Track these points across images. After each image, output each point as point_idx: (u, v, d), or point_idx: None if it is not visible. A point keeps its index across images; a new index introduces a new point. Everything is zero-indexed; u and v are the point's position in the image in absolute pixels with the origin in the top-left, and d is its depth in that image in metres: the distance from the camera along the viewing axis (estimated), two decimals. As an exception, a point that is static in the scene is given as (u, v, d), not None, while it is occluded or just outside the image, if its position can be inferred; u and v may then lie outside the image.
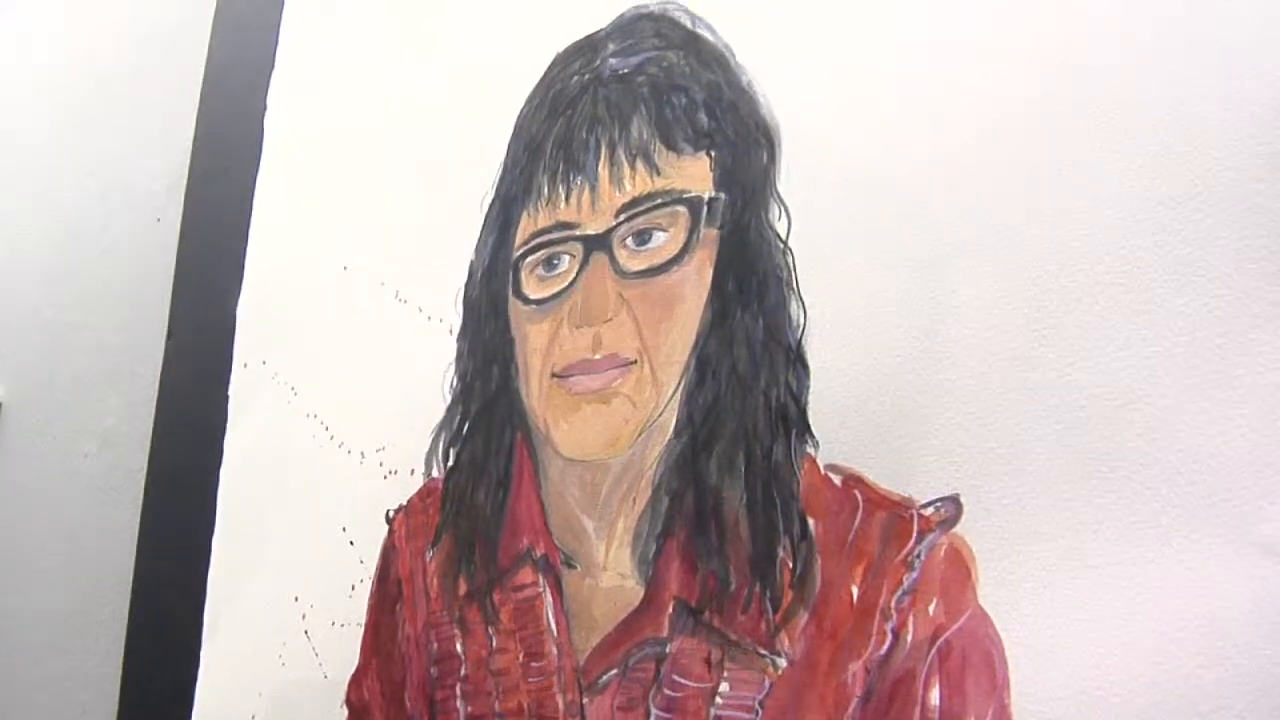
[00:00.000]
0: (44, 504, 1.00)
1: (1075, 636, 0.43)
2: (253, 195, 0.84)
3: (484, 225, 0.67)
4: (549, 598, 0.59)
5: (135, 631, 0.85)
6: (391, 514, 0.67)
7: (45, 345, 1.04)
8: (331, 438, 0.72)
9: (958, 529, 0.46)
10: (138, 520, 0.88)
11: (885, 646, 0.47)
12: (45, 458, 1.01)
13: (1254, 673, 0.39)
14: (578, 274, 0.60)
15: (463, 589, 0.63)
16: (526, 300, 0.62)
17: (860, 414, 0.50)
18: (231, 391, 0.81)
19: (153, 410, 0.89)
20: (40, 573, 0.99)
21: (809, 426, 0.51)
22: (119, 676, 0.86)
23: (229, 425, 0.81)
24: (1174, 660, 0.41)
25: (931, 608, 0.47)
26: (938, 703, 0.46)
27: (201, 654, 0.78)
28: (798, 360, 0.52)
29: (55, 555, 0.98)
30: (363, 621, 0.68)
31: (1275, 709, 0.39)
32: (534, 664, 0.59)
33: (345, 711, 0.68)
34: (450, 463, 0.65)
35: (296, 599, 0.72)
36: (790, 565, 0.51)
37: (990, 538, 0.46)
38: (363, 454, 0.70)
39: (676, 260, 0.57)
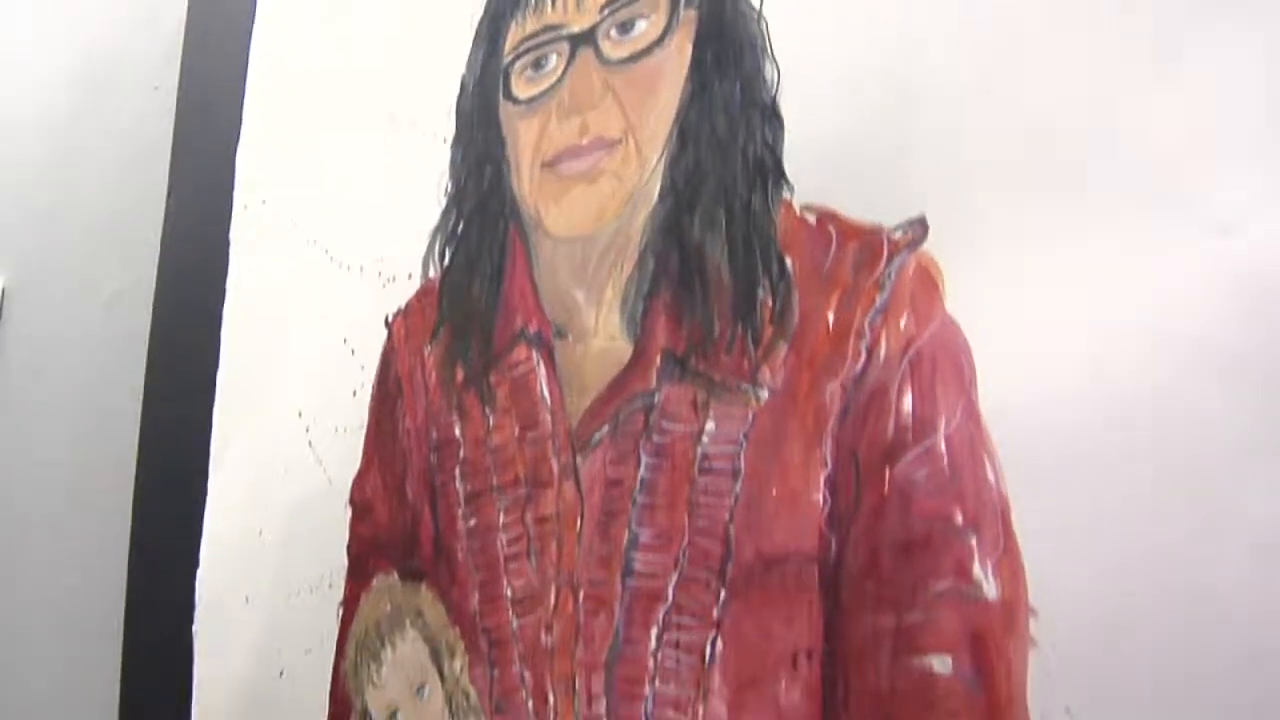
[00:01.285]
0: (52, 377, 1.03)
1: (1039, 334, 0.46)
2: (248, 54, 0.87)
3: (474, 41, 0.69)
4: (542, 370, 0.62)
5: (143, 477, 0.88)
6: (390, 318, 0.70)
7: (45, 225, 1.07)
8: (331, 259, 0.75)
9: (925, 247, 0.50)
10: (143, 380, 0.91)
11: (860, 364, 0.51)
12: (51, 332, 1.04)
13: (1211, 355, 0.42)
14: (565, 70, 0.63)
15: (460, 377, 0.66)
16: (516, 101, 0.65)
17: (832, 155, 0.53)
18: (233, 236, 0.84)
19: (155, 270, 0.92)
20: (49, 442, 1.02)
21: (784, 173, 0.54)
22: (129, 523, 0.88)
23: (230, 267, 0.83)
24: (1132, 345, 0.44)
25: (902, 322, 0.50)
26: (910, 408, 0.49)
27: (209, 485, 0.81)
28: (773, 116, 0.55)
29: (63, 424, 1.01)
30: (364, 424, 0.71)
31: (1229, 389, 0.42)
32: (529, 434, 0.62)
33: (349, 511, 0.71)
34: (446, 262, 0.68)
35: (300, 414, 0.75)
36: (770, 303, 0.54)
37: (956, 251, 0.49)
38: (362, 268, 0.73)
39: (658, 43, 0.60)
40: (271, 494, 0.76)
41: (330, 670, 0.70)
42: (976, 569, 0.46)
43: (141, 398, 0.89)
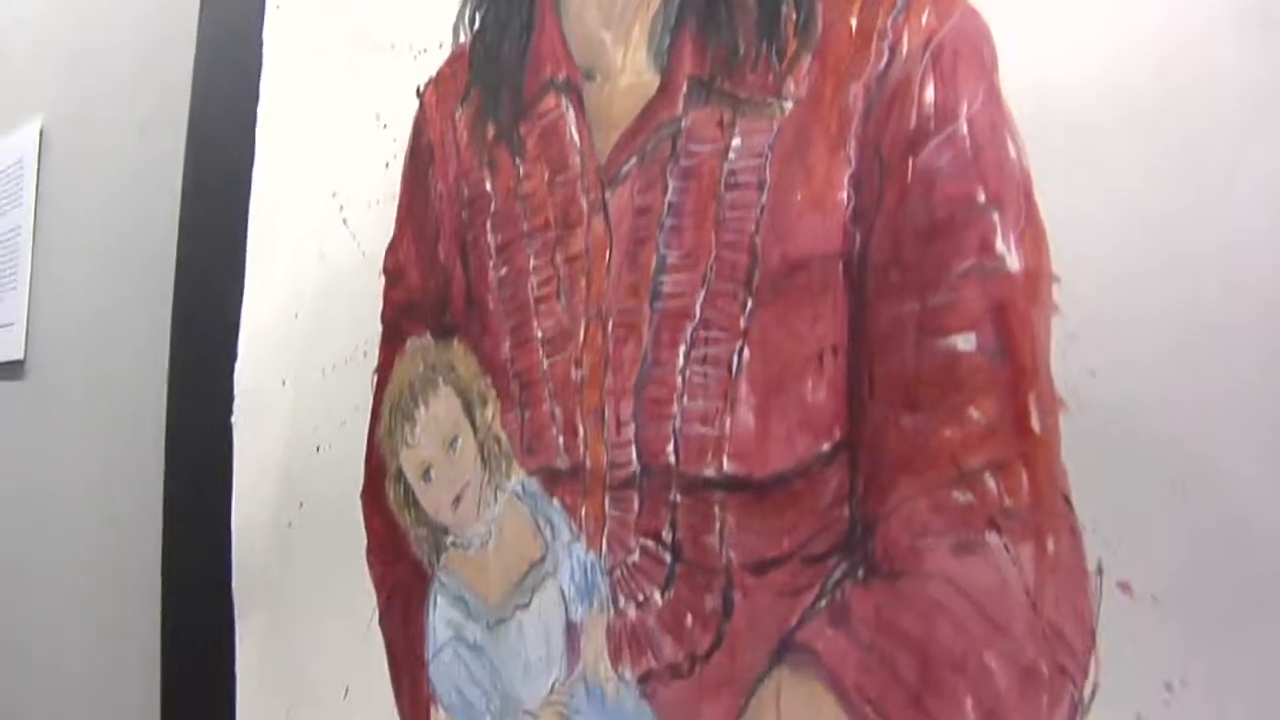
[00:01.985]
0: (91, 203, 1.05)
1: (1059, 17, 0.46)
2: None
3: None
4: (571, 114, 0.63)
5: (182, 283, 0.89)
6: (421, 88, 0.71)
7: (78, 63, 1.08)
8: (364, 41, 0.76)
9: (946, -59, 0.49)
10: (179, 189, 0.92)
11: (883, 63, 0.51)
12: (88, 165, 1.06)
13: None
14: None
15: (491, 133, 0.67)
16: None
17: None
18: (265, 35, 0.84)
19: (189, 91, 0.93)
20: (92, 262, 1.04)
21: (809, -115, 0.54)
22: (169, 329, 0.90)
23: (263, 71, 0.84)
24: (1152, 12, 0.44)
25: (924, 18, 0.50)
26: (932, 98, 0.49)
27: (246, 278, 0.82)
28: None
29: (103, 247, 1.03)
30: (397, 194, 0.72)
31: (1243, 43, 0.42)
32: (559, 178, 0.63)
33: (382, 280, 0.72)
34: (476, 25, 0.68)
35: (334, 194, 0.76)
36: (794, 17, 0.54)
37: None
38: (393, 45, 0.74)
39: None
40: (306, 277, 0.77)
41: (365, 439, 0.72)
42: (999, 243, 0.46)
43: (179, 206, 0.91)
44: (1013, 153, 0.46)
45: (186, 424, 0.87)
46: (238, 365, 0.81)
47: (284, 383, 0.78)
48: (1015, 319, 0.46)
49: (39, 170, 1.10)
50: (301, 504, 0.76)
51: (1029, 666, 0.44)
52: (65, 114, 1.09)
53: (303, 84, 0.81)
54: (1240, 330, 0.41)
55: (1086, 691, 0.43)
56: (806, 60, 0.53)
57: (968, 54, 0.48)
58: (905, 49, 0.50)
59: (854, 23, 0.52)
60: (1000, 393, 0.46)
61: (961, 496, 0.47)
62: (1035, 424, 0.45)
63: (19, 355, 1.11)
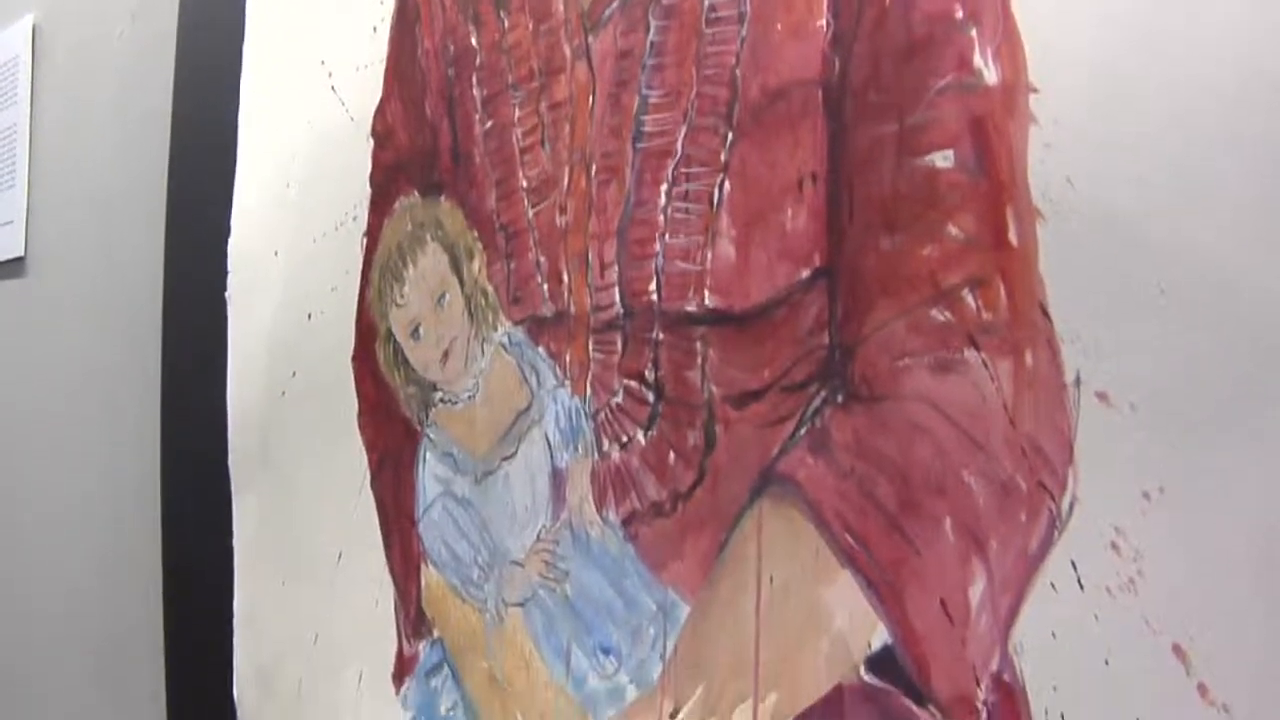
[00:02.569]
0: (86, 97, 1.04)
1: None
2: None
3: None
4: (554, -40, 0.62)
5: (177, 162, 0.89)
6: (407, -52, 0.70)
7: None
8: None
9: None
10: (172, 78, 0.91)
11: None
12: (82, 59, 1.05)
13: None
14: None
15: (475, -13, 0.66)
16: None
17: None
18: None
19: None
20: (83, 166, 1.04)
21: None
22: (164, 208, 0.90)
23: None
24: None
25: None
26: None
27: (238, 153, 0.82)
28: None
29: (100, 139, 1.03)
30: (384, 58, 0.71)
31: None
32: (542, 26, 0.62)
33: (371, 143, 0.72)
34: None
35: (323, 62, 0.76)
36: None
37: None
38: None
39: None
40: (296, 147, 0.77)
41: (355, 304, 0.72)
42: (977, 58, 0.46)
43: (171, 88, 0.90)
44: (990, -36, 0.46)
45: (182, 305, 0.87)
46: (230, 239, 0.81)
47: (276, 253, 0.78)
48: (993, 133, 0.45)
49: (33, 67, 1.10)
50: (294, 372, 0.77)
51: (1007, 483, 0.44)
52: (56, 8, 1.08)
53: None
54: (1220, 128, 0.40)
55: (1064, 505, 0.42)
56: None
57: None
58: None
59: None
60: (978, 207, 0.45)
61: (940, 315, 0.46)
62: (1013, 236, 0.44)
63: (19, 252, 1.11)
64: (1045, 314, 0.43)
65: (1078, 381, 0.42)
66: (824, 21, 0.51)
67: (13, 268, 1.13)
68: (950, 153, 0.46)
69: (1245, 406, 0.38)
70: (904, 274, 0.47)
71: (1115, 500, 0.41)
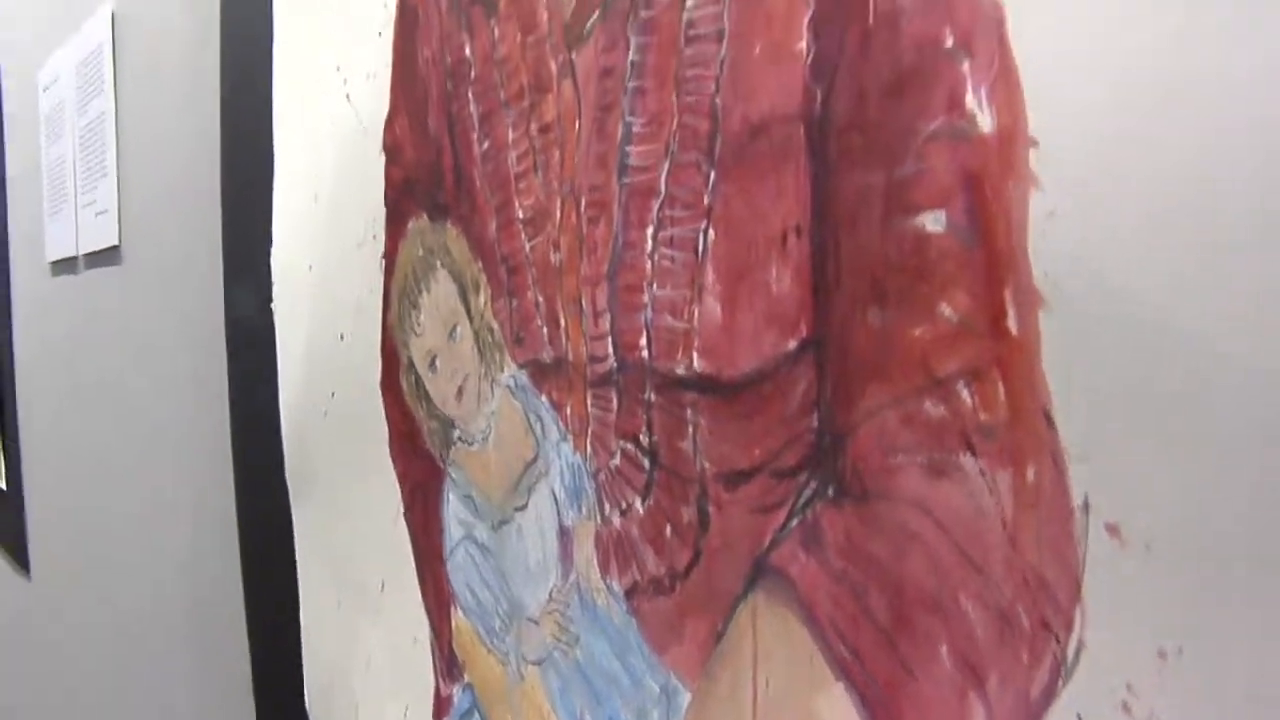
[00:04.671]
0: (158, 90, 1.03)
1: None
2: None
3: None
4: (537, -38, 0.55)
5: (227, 164, 0.87)
6: (404, -58, 0.64)
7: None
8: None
9: None
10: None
11: None
12: (155, 43, 1.04)
13: None
14: None
15: (466, -10, 0.60)
16: None
17: None
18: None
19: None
20: (164, 156, 1.03)
21: None
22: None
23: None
24: None
25: None
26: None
27: (274, 159, 0.79)
28: None
29: (177, 136, 1.01)
30: (390, 64, 0.66)
31: None
32: (530, 38, 0.56)
33: (383, 158, 0.67)
34: None
35: (338, 68, 0.71)
36: None
37: None
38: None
39: None
40: (322, 157, 0.73)
41: (380, 326, 0.68)
42: (970, 98, 0.37)
43: (219, 91, 0.88)
44: (985, -22, 0.37)
45: (240, 309, 0.86)
46: (273, 249, 0.79)
47: (310, 267, 0.75)
48: (989, 192, 0.37)
49: (114, 56, 1.09)
50: (333, 393, 0.74)
51: (1007, 613, 0.37)
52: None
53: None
54: (1258, 198, 0.31)
55: (1070, 650, 0.35)
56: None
57: None
58: None
59: None
60: (972, 284, 0.38)
61: (934, 409, 0.39)
62: (1012, 323, 0.37)
63: (114, 241, 1.12)
64: (1049, 422, 0.36)
65: (1086, 507, 0.35)
66: (805, 43, 0.43)
67: (109, 255, 1.14)
68: (942, 214, 0.38)
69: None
70: (895, 356, 0.40)
71: (1128, 653, 0.34)
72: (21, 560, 1.60)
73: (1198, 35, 0.32)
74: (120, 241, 1.11)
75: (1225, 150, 0.31)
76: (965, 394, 0.38)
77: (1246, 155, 0.31)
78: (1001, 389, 0.37)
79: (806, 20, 0.43)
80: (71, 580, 1.40)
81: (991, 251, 0.37)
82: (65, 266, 1.31)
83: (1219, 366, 0.32)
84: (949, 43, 0.38)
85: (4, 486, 1.65)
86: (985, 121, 0.37)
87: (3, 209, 1.58)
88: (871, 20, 0.40)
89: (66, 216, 1.25)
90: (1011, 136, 0.36)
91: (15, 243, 1.55)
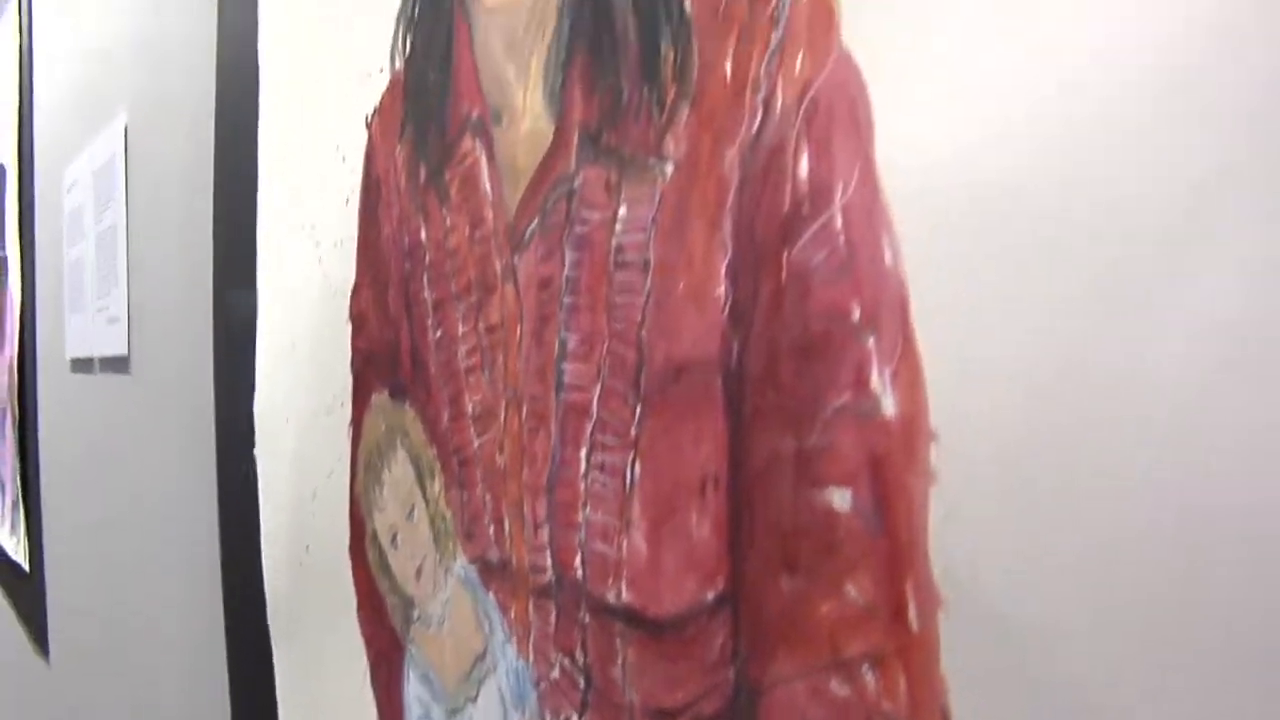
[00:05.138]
0: (163, 202, 1.04)
1: (940, 66, 0.34)
2: None
3: None
4: (483, 159, 0.55)
5: (219, 291, 0.87)
6: (369, 117, 0.64)
7: (153, 64, 1.07)
8: (338, 59, 0.69)
9: (823, -37, 0.38)
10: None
11: (757, 121, 0.40)
12: (164, 156, 1.05)
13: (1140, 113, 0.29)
14: None
15: (422, 175, 0.59)
16: None
17: None
18: (260, 53, 0.79)
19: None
20: (168, 268, 1.04)
21: (682, -110, 0.43)
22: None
23: (260, 87, 0.79)
24: (1049, 92, 0.32)
25: (798, 64, 0.39)
26: (807, 173, 0.38)
27: (258, 303, 0.79)
28: None
29: (181, 249, 1.02)
30: (355, 235, 0.66)
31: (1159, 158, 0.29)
32: (477, 233, 0.55)
33: (349, 327, 0.67)
34: (408, 51, 0.61)
35: (312, 227, 0.71)
36: (672, 55, 0.44)
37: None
38: (343, 68, 0.67)
39: None
40: (297, 313, 0.73)
41: (348, 493, 0.68)
42: (875, 379, 0.36)
43: (212, 212, 0.88)
44: (888, 257, 0.36)
45: (231, 441, 0.86)
46: (256, 394, 0.79)
47: (286, 420, 0.75)
48: (892, 481, 0.36)
49: (126, 169, 1.10)
50: (308, 546, 0.74)
51: None
52: (145, 108, 1.08)
53: (287, 109, 0.75)
54: (1171, 518, 0.30)
55: None
56: (685, 111, 0.43)
57: (843, 114, 0.37)
58: (779, 104, 0.39)
59: (729, 68, 0.41)
60: (877, 571, 0.36)
61: (840, 688, 0.38)
62: (912, 618, 0.35)
63: (124, 351, 1.13)
64: (947, 720, 0.34)
65: (987, 825, 0.33)
66: (722, 289, 0.42)
67: (119, 364, 1.16)
68: (848, 493, 0.37)
69: None
70: (804, 627, 0.39)
71: None
72: (42, 644, 1.62)
73: (1098, 342, 0.30)
74: (129, 351, 1.12)
75: (1134, 465, 0.30)
76: (870, 678, 0.37)
77: (1159, 468, 0.29)
78: (903, 681, 0.36)
79: (724, 265, 0.42)
80: (89, 667, 1.41)
81: (894, 542, 0.36)
82: (83, 365, 1.33)
83: (1105, 701, 0.30)
84: (856, 316, 0.37)
85: (27, 568, 1.68)
86: (889, 406, 0.36)
87: (32, 302, 1.61)
88: (784, 277, 0.39)
89: (85, 318, 1.27)
90: (913, 426, 0.35)
91: (41, 335, 1.58)
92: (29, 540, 1.65)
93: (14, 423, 1.69)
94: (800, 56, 0.39)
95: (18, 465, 1.67)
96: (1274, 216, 0.27)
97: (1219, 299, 0.28)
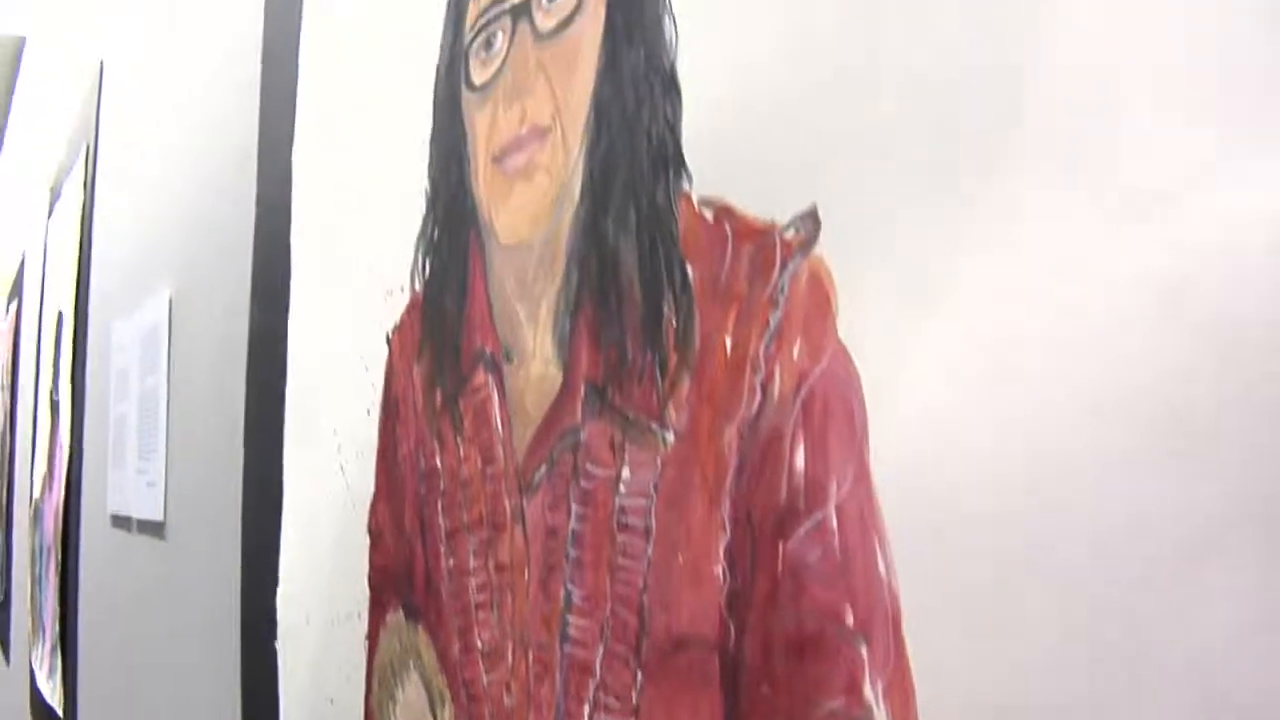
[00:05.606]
0: (204, 372, 1.06)
1: (934, 364, 0.34)
2: None
3: (443, 26, 0.62)
4: (495, 397, 0.55)
5: (249, 476, 0.88)
6: (390, 334, 0.65)
7: (195, 238, 1.09)
8: (357, 272, 0.70)
9: (818, 248, 0.38)
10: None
11: (756, 403, 0.40)
12: (205, 328, 1.07)
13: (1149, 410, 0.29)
14: (508, 50, 0.55)
15: (439, 401, 0.60)
16: (473, 87, 0.58)
17: (728, 136, 0.42)
18: (292, 253, 0.81)
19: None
20: (205, 440, 1.05)
21: (684, 160, 0.44)
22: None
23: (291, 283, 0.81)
24: (1043, 379, 0.31)
25: (795, 351, 0.38)
26: (803, 466, 0.38)
27: (283, 502, 0.80)
28: (671, 85, 0.44)
29: (216, 422, 1.04)
30: (375, 449, 0.66)
31: (1181, 458, 0.29)
32: (488, 469, 0.55)
33: (367, 541, 0.67)
34: (427, 274, 0.61)
35: (335, 431, 0.72)
36: (674, 323, 0.44)
37: (850, 255, 0.37)
38: (368, 283, 0.68)
39: (578, 9, 0.50)
40: (320, 517, 0.73)
41: (363, 704, 0.67)
42: (868, 689, 0.35)
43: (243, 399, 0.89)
44: (881, 567, 0.35)
45: (256, 628, 0.85)
46: (279, 589, 0.79)
47: (307, 620, 0.74)
48: (886, 799, 0.34)
49: (170, 339, 1.13)
50: (325, 753, 0.73)
51: None
52: (190, 282, 1.11)
53: (318, 316, 0.77)
54: None
55: None
56: (686, 382, 0.43)
57: (838, 410, 0.37)
58: (777, 390, 0.39)
59: (728, 342, 0.41)
60: None
61: None
62: None
63: (160, 516, 1.14)
64: None
65: None
66: (720, 570, 0.41)
67: (155, 528, 1.17)
68: (841, 804, 0.36)
69: None
70: None
71: None
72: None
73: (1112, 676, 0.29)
74: (164, 518, 1.13)
75: None
76: None
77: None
78: None
79: (723, 546, 0.41)
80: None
81: None
82: (122, 523, 1.34)
83: None
84: (849, 620, 0.36)
85: (61, 714, 1.67)
86: (880, 718, 0.35)
87: (79, 450, 1.64)
88: (780, 570, 0.38)
89: (125, 476, 1.29)
90: (906, 743, 0.34)
91: (86, 486, 1.60)
92: (64, 686, 1.65)
93: (57, 568, 1.71)
94: (798, 344, 0.38)
95: (59, 610, 1.68)
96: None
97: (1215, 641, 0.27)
